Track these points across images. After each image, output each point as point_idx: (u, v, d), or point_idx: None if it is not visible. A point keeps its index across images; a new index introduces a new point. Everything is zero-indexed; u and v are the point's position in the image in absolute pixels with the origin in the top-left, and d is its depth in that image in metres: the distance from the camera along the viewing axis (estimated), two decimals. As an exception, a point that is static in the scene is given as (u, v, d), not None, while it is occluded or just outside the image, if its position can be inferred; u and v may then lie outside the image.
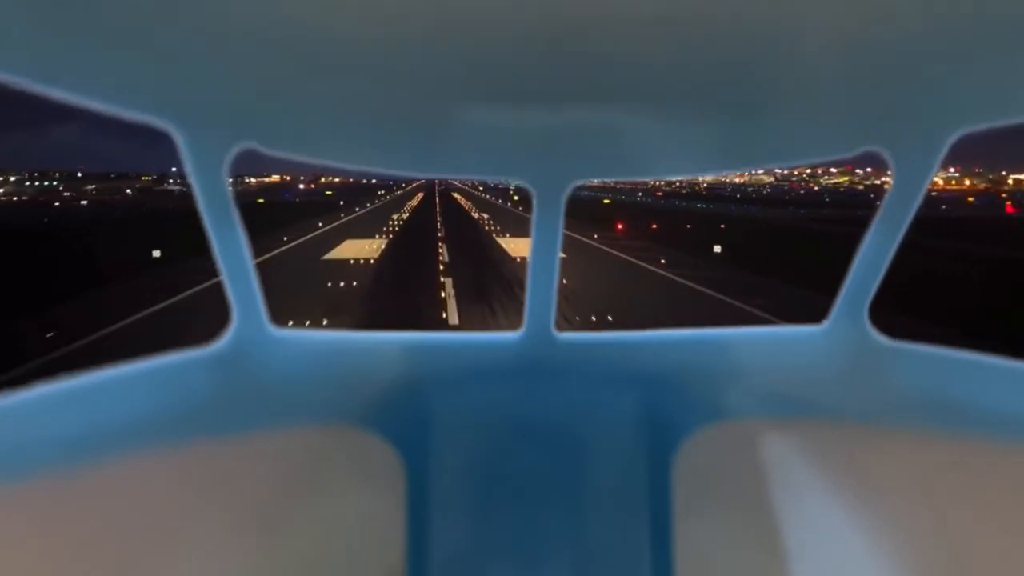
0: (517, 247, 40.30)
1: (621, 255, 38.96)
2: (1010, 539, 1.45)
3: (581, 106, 1.44)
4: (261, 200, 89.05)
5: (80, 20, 1.02)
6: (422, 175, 1.69)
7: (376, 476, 1.69)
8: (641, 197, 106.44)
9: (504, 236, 46.65)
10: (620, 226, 52.24)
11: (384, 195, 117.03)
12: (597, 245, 43.05)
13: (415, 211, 76.60)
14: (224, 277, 1.48)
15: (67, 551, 1.23)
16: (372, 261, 36.15)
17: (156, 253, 33.88)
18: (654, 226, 52.96)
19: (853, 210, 64.54)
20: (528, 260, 1.66)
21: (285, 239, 43.60)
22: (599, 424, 1.75)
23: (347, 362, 1.71)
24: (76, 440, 1.26)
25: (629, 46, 1.20)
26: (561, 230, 1.63)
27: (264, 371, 1.59)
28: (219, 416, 1.50)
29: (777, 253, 36.20)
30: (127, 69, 1.18)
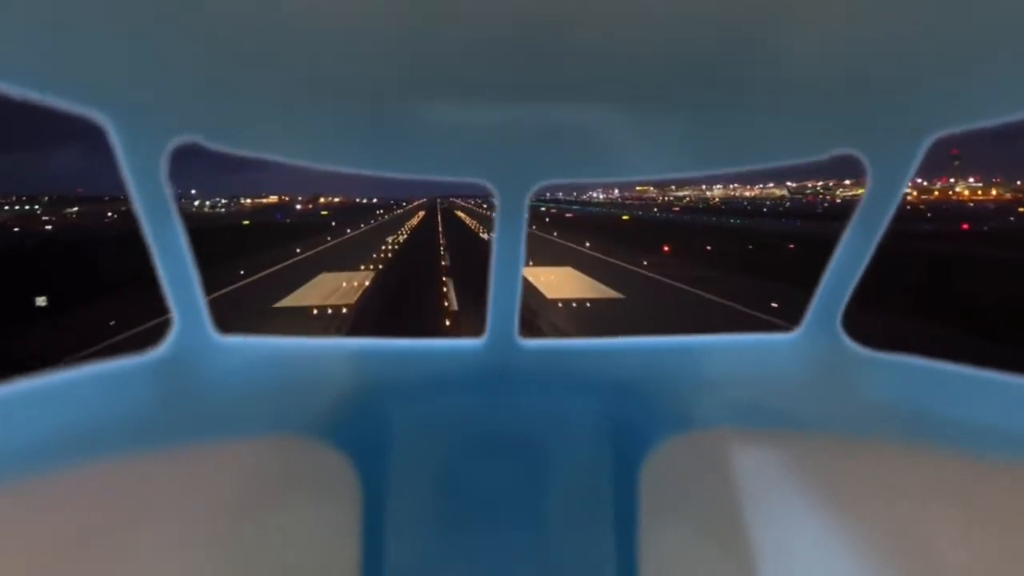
0: (552, 283, 30.81)
1: (706, 295, 28.46)
2: (976, 549, 1.44)
3: (546, 104, 1.40)
4: (247, 222, 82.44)
5: (11, 8, 0.98)
6: (378, 173, 1.55)
7: (329, 489, 1.63)
8: (658, 212, 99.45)
9: (536, 265, 35.81)
10: (666, 248, 45.39)
11: (382, 214, 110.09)
12: (656, 277, 33.60)
13: (415, 231, 70.76)
14: (163, 280, 1.40)
15: (7, 561, 1.16)
16: (345, 310, 25.35)
17: (41, 301, 25.21)
18: (708, 247, 44.44)
19: (921, 223, 56.74)
20: (491, 262, 1.57)
21: (242, 272, 34.67)
22: (563, 434, 1.71)
23: (298, 370, 1.64)
24: (14, 450, 1.20)
25: (598, 43, 1.17)
26: (524, 231, 1.57)
27: (208, 379, 1.52)
28: (161, 426, 1.42)
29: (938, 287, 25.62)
30: (60, 59, 1.11)
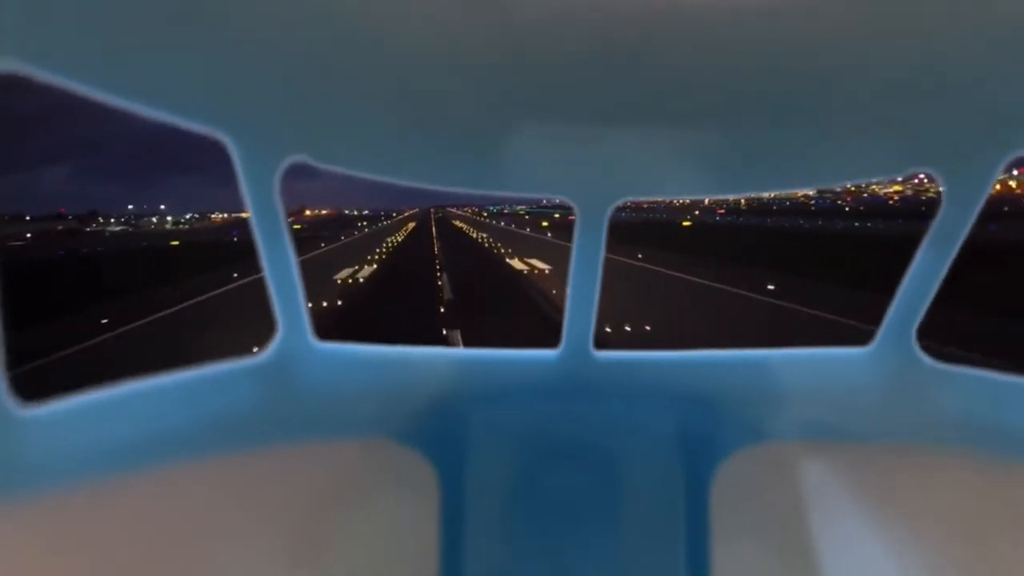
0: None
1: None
2: None
3: (626, 126, 1.47)
4: (175, 242, 63.59)
5: (145, 34, 1.08)
6: (470, 191, 1.61)
7: (412, 490, 1.71)
8: (699, 215, 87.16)
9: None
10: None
11: (363, 227, 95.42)
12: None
13: (397, 251, 45.71)
14: (271, 288, 1.50)
15: (108, 559, 1.24)
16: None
17: None
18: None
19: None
20: (569, 275, 1.64)
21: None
22: (636, 443, 1.75)
23: (387, 376, 1.73)
24: (120, 449, 1.28)
25: (678, 67, 1.24)
26: (603, 248, 1.62)
27: (306, 383, 1.62)
28: (261, 427, 1.52)
29: None
30: (182, 78, 1.22)
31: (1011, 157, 1.38)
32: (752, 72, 1.25)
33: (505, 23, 1.11)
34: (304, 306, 1.57)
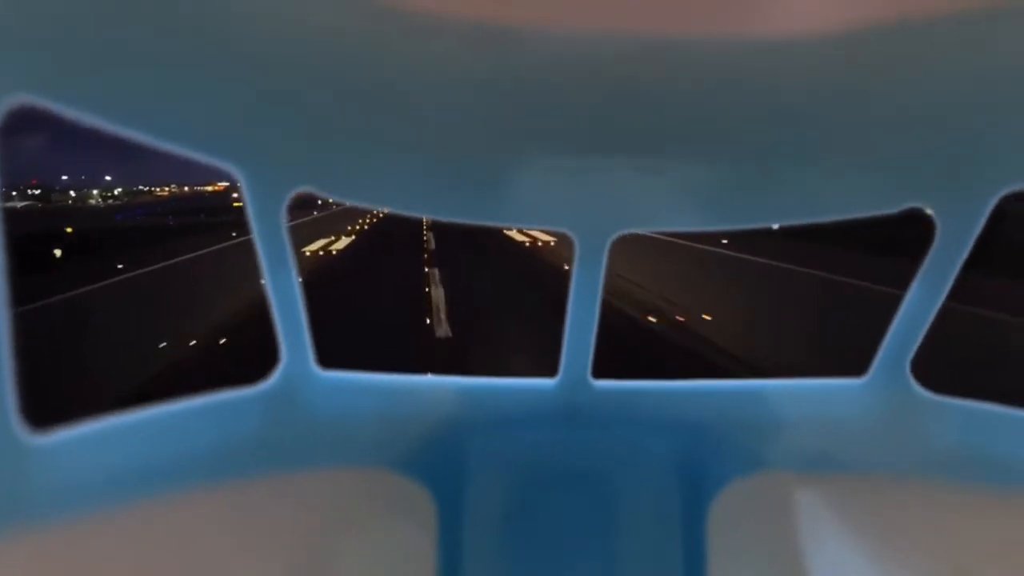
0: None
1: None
2: None
3: (627, 157, 1.51)
4: (69, 228, 47.08)
5: (155, 68, 1.13)
6: (471, 222, 1.63)
7: (411, 519, 1.75)
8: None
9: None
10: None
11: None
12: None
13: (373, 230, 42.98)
14: (275, 315, 1.55)
15: None
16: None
17: None
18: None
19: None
20: (568, 305, 1.69)
21: None
22: (634, 473, 1.79)
23: (387, 404, 1.77)
24: (127, 476, 1.31)
25: (677, 100, 1.28)
26: (602, 279, 1.67)
27: (308, 410, 1.66)
28: (264, 454, 1.57)
29: None
30: (193, 110, 1.27)
31: (1003, 193, 1.43)
32: (750, 108, 1.31)
33: (506, 60, 1.16)
34: (308, 334, 1.61)
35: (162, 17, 1.05)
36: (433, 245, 34.33)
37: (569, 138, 1.45)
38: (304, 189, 1.47)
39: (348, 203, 1.61)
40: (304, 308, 1.58)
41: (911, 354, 1.68)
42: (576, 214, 1.64)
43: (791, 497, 1.73)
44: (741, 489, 1.75)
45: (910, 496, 1.65)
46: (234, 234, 33.01)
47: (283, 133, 1.39)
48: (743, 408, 1.81)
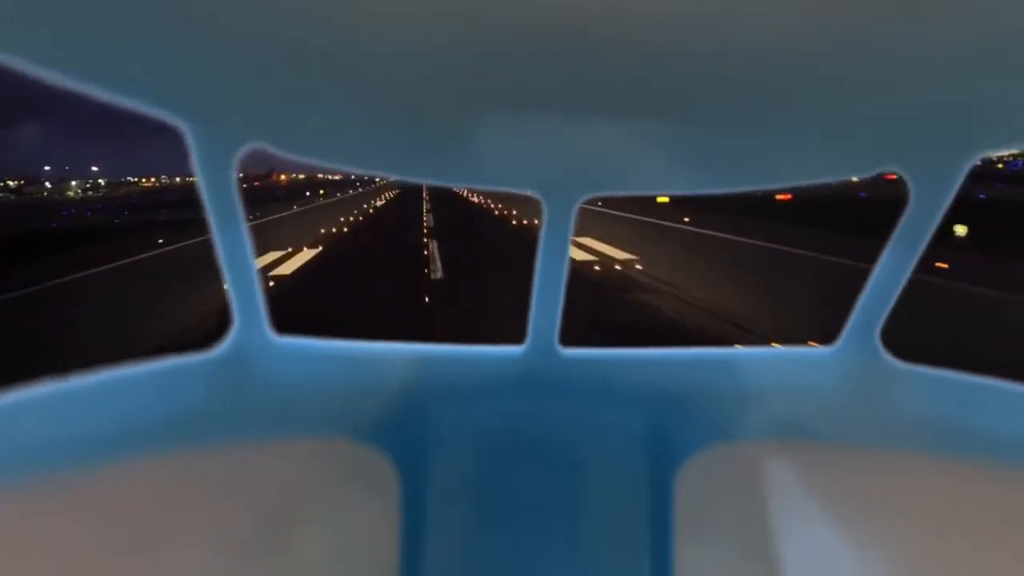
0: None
1: None
2: (1019, 565, 1.48)
3: (595, 118, 1.47)
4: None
5: (96, 12, 1.06)
6: (433, 182, 1.61)
7: (373, 489, 1.72)
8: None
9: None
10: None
11: (317, 196, 77.21)
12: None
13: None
14: (226, 279, 1.50)
15: (58, 555, 1.24)
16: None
17: None
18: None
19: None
20: (535, 270, 1.67)
21: None
22: (600, 441, 1.78)
23: (346, 372, 1.73)
24: (72, 443, 1.29)
25: (646, 59, 1.24)
26: (570, 243, 1.66)
27: (263, 378, 1.61)
28: (217, 423, 1.52)
29: None
30: (139, 62, 1.21)
31: (976, 158, 1.43)
32: (721, 71, 1.27)
33: (469, 15, 1.13)
34: (261, 299, 1.56)
35: None
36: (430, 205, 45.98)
37: (534, 98, 1.40)
38: (255, 145, 1.42)
39: (300, 159, 1.52)
40: (257, 272, 1.53)
41: (881, 322, 1.66)
42: (543, 177, 1.60)
43: (759, 466, 1.71)
44: (709, 458, 1.74)
45: (880, 465, 1.63)
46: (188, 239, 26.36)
47: (234, 88, 1.34)
48: (711, 377, 1.79)
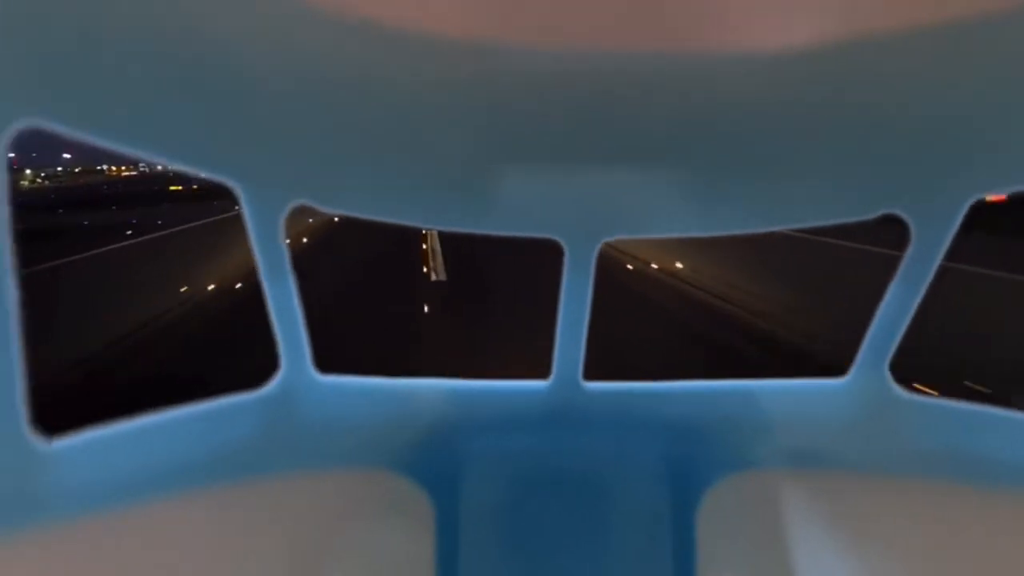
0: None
1: None
2: None
3: (613, 164, 1.56)
4: None
5: (156, 89, 1.19)
6: (461, 230, 1.70)
7: (409, 520, 1.80)
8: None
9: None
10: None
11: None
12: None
13: None
14: (274, 323, 1.61)
15: None
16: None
17: None
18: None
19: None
20: (559, 309, 1.77)
21: None
22: (624, 473, 1.84)
23: (383, 406, 1.83)
24: (128, 481, 1.35)
25: (655, 114, 1.32)
26: (592, 284, 1.74)
27: (306, 415, 1.71)
28: (264, 458, 1.61)
29: None
30: (193, 132, 1.33)
31: (976, 198, 1.49)
32: (727, 119, 1.37)
33: (490, 75, 1.23)
34: (306, 340, 1.67)
35: (158, 40, 1.13)
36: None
37: (553, 149, 1.50)
38: (300, 202, 1.53)
39: (345, 213, 1.64)
40: (302, 315, 1.63)
41: (890, 354, 1.74)
42: (564, 222, 1.68)
43: (777, 495, 1.79)
44: (728, 488, 1.82)
45: (892, 494, 1.71)
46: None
47: (279, 149, 1.44)
48: (729, 407, 1.88)
